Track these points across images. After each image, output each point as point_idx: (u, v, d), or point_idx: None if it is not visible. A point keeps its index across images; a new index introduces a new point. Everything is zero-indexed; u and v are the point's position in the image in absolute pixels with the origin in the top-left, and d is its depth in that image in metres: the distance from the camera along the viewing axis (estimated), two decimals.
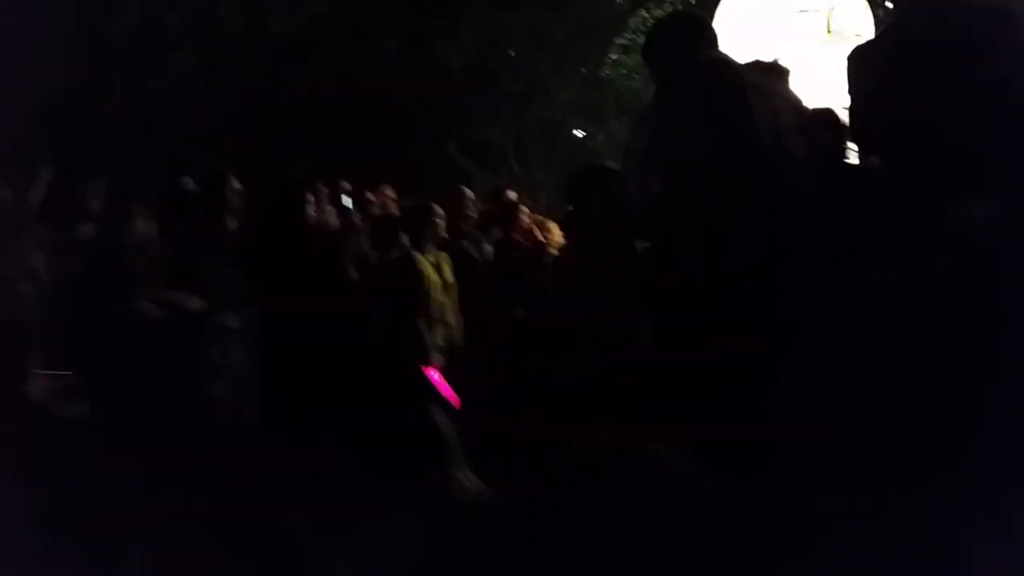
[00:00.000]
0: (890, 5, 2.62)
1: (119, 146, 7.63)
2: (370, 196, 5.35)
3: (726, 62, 2.46)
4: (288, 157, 8.30)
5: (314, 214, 4.19)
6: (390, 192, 5.72)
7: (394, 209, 5.42)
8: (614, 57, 10.42)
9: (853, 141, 2.69)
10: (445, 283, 4.64)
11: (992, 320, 2.03)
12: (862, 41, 3.99)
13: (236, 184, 3.90)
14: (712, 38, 2.72)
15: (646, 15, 9.92)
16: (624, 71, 10.59)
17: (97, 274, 3.68)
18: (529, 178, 11.22)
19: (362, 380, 4.00)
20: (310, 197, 4.18)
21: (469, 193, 5.10)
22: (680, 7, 9.37)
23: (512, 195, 6.27)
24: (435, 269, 4.60)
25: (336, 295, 3.91)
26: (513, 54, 10.17)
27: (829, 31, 4.45)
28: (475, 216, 5.22)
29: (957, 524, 1.54)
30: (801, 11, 4.48)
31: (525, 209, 5.78)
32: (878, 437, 1.76)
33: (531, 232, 5.61)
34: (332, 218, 4.62)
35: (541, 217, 6.17)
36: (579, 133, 12.08)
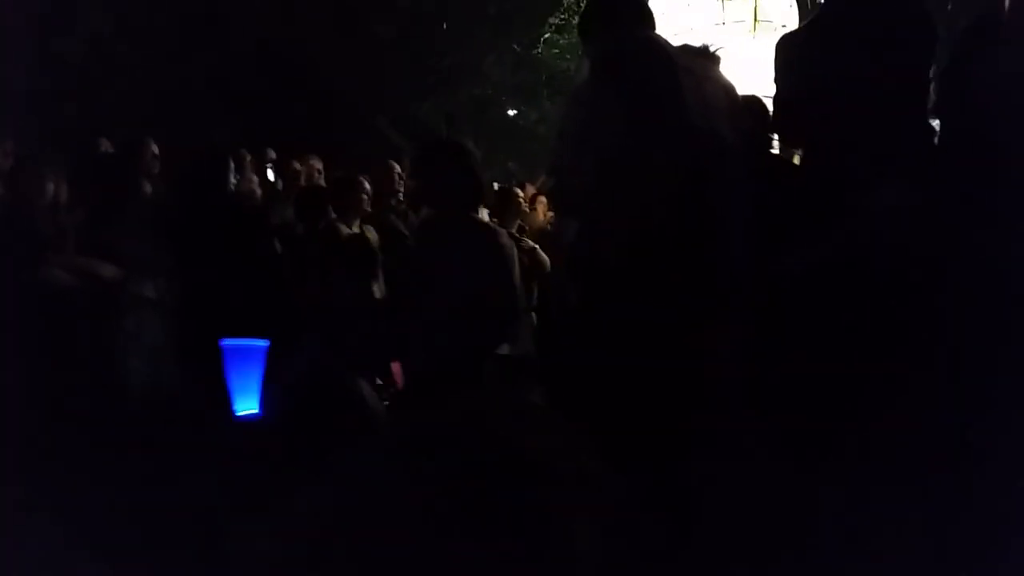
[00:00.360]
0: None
1: (30, 110, 7.25)
2: (296, 165, 5.23)
3: (660, 43, 2.48)
4: (210, 124, 8.02)
5: (235, 181, 4.07)
6: (316, 163, 5.61)
7: (320, 180, 5.32)
8: (547, 36, 10.41)
9: (776, 128, 2.76)
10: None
11: (905, 302, 2.12)
12: (788, 30, 4.09)
13: (154, 148, 3.75)
14: (649, 18, 2.73)
15: None
16: (557, 51, 10.60)
17: (3, 239, 3.50)
18: None
19: (286, 353, 3.92)
20: (232, 164, 4.06)
21: (397, 167, 5.04)
22: None
23: None
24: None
25: (258, 265, 3.81)
26: (445, 27, 10.05)
27: (756, 20, 4.54)
28: (402, 190, 5.16)
29: (869, 501, 1.62)
30: (729, 0, 4.57)
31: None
32: (794, 418, 1.82)
33: None
34: (255, 186, 4.51)
35: None
36: (511, 112, 12.06)
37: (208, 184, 3.76)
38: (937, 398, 1.64)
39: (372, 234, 4.55)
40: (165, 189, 4.16)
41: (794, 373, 1.82)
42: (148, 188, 3.77)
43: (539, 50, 10.77)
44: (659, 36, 2.59)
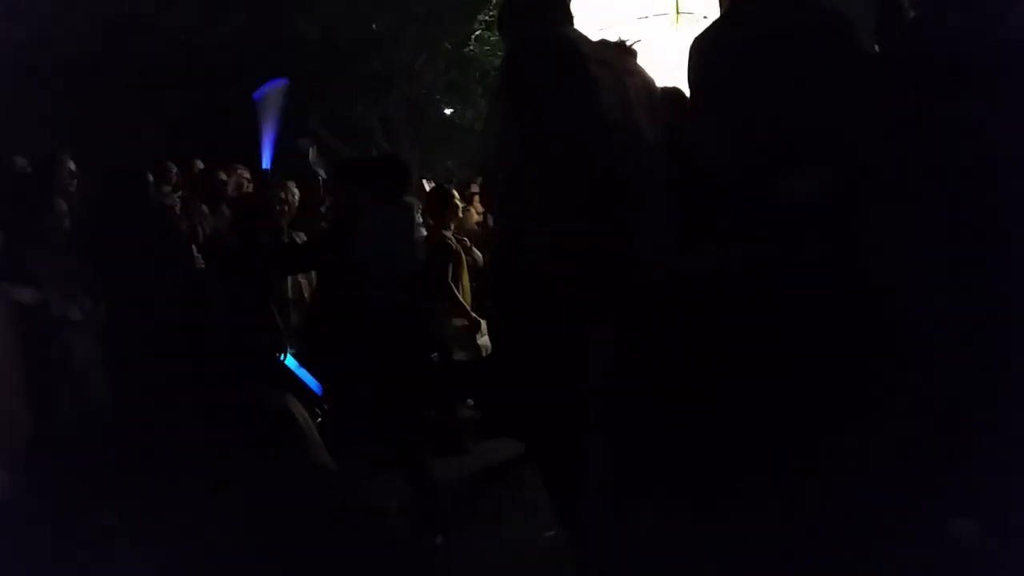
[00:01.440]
0: None
1: None
2: (222, 176, 5.12)
3: (575, 37, 2.48)
4: (134, 136, 7.81)
5: (154, 195, 3.96)
6: (243, 172, 5.50)
7: (248, 189, 5.22)
8: (478, 33, 10.38)
9: (693, 123, 2.79)
10: None
11: (823, 293, 2.16)
12: (710, 22, 4.13)
13: (71, 164, 3.62)
14: (566, 13, 2.73)
15: None
16: (488, 48, 10.57)
17: None
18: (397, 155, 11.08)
19: (216, 369, 3.82)
20: (151, 178, 3.94)
21: (322, 173, 4.97)
22: None
23: None
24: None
25: (183, 282, 3.72)
26: (375, 27, 9.94)
27: (678, 12, 4.59)
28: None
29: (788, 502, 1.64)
30: None
31: None
32: (710, 412, 1.84)
33: None
34: (176, 198, 4.40)
35: None
36: (447, 111, 12.00)
37: (127, 199, 3.64)
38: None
39: (301, 239, 4.49)
40: (85, 206, 4.03)
41: (714, 368, 1.84)
42: (64, 206, 3.63)
43: (471, 48, 10.74)
44: (575, 31, 2.59)
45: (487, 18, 10.49)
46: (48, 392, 3.43)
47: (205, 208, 4.81)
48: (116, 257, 3.54)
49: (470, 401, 5.34)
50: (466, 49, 10.70)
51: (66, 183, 3.65)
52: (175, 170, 5.18)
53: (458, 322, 4.86)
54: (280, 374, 4.28)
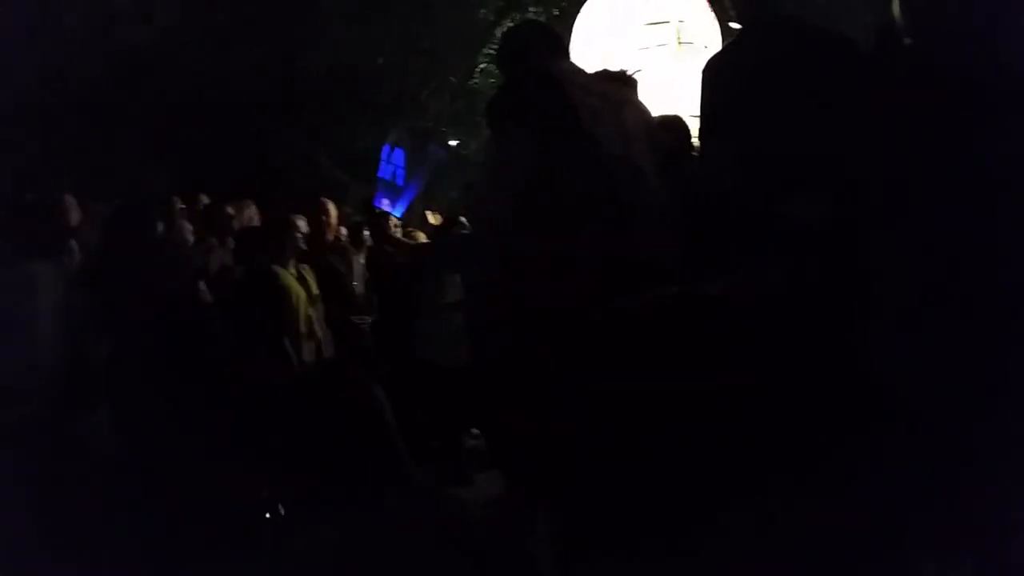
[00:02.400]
0: (734, 25, 2.75)
1: None
2: (229, 210, 5.15)
3: (571, 69, 2.50)
4: (143, 172, 7.89)
5: (161, 232, 3.98)
6: (250, 208, 5.54)
7: (257, 224, 5.26)
8: (483, 66, 10.48)
9: (701, 145, 2.80)
10: (311, 296, 4.53)
11: (826, 313, 2.14)
12: (710, 51, 4.16)
13: (73, 203, 3.65)
14: (562, 48, 2.76)
15: (512, 25, 10.04)
16: (493, 80, 10.66)
17: None
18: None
19: (226, 404, 3.82)
20: (157, 213, 3.97)
21: (332, 205, 5.00)
22: (542, 17, 9.52)
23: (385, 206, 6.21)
24: (300, 282, 4.48)
25: (190, 317, 3.73)
26: (381, 61, 10.06)
27: (679, 42, 4.61)
28: (336, 227, 5.12)
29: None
30: (652, 23, 4.63)
31: (395, 219, 5.74)
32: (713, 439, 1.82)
33: (402, 243, 5.57)
34: (188, 234, 4.42)
35: (412, 229, 6.14)
36: (452, 142, 12.08)
37: (132, 236, 3.66)
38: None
39: (309, 274, 4.50)
40: (92, 242, 4.06)
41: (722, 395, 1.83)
42: (73, 243, 3.66)
43: (476, 80, 10.83)
44: (571, 64, 2.61)
45: (491, 52, 10.60)
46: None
47: (215, 241, 4.84)
48: (121, 294, 3.56)
49: (475, 431, 5.32)
50: (471, 82, 10.80)
51: (69, 220, 3.68)
52: (180, 205, 5.22)
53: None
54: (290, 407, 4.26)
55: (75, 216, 3.66)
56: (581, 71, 2.64)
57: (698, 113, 2.71)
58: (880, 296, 1.90)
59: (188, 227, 4.67)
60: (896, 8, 2.23)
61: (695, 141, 3.16)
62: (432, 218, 6.64)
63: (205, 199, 5.57)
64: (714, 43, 4.62)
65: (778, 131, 2.36)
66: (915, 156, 2.06)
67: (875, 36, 2.72)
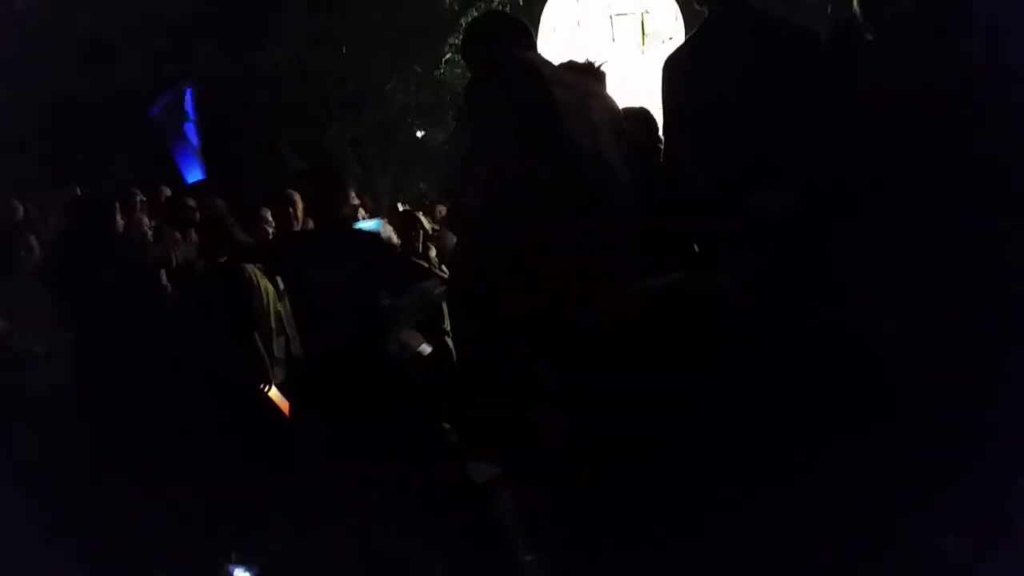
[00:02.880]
0: (699, 8, 2.76)
1: None
2: (191, 202, 5.08)
3: (535, 60, 2.50)
4: (102, 164, 7.75)
5: (122, 224, 3.91)
6: (219, 202, 5.48)
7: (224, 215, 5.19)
8: (448, 56, 10.43)
9: (665, 139, 2.82)
10: (279, 291, 4.48)
11: (792, 309, 2.18)
12: (674, 43, 4.18)
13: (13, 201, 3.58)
14: (527, 38, 2.75)
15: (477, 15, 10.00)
16: (459, 70, 10.62)
17: None
18: (370, 179, 11.08)
19: (195, 405, 3.76)
20: (117, 206, 3.90)
21: (298, 197, 4.94)
22: (507, 8, 9.50)
23: (353, 198, 6.16)
24: (265, 276, 4.43)
25: (155, 311, 3.68)
26: (345, 51, 9.97)
27: (644, 34, 4.64)
28: (303, 219, 5.07)
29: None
30: (617, 15, 4.65)
31: (363, 212, 5.71)
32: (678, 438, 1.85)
33: None
34: (146, 227, 4.35)
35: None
36: (419, 133, 12.03)
37: (93, 229, 3.60)
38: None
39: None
40: (52, 236, 3.99)
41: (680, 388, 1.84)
42: (32, 238, 3.59)
43: (442, 71, 10.78)
44: (537, 55, 2.61)
45: (457, 42, 10.56)
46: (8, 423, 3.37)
47: (177, 235, 4.77)
48: (84, 288, 3.50)
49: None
50: (437, 72, 10.75)
51: (32, 215, 3.61)
52: (141, 197, 5.13)
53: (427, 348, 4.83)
54: (263, 406, 4.22)
55: (19, 214, 3.58)
56: (547, 62, 2.64)
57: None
58: (843, 287, 1.94)
59: (147, 221, 4.60)
60: (856, 4, 2.27)
61: (662, 134, 3.19)
62: (401, 209, 6.60)
63: (167, 191, 5.49)
64: (678, 35, 4.64)
65: (738, 125, 2.38)
66: (876, 150, 2.11)
67: (835, 31, 2.77)
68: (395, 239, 4.04)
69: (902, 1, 2.13)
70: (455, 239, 5.82)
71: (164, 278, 3.94)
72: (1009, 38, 1.96)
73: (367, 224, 4.56)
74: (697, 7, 2.74)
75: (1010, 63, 1.95)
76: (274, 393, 4.35)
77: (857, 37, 2.41)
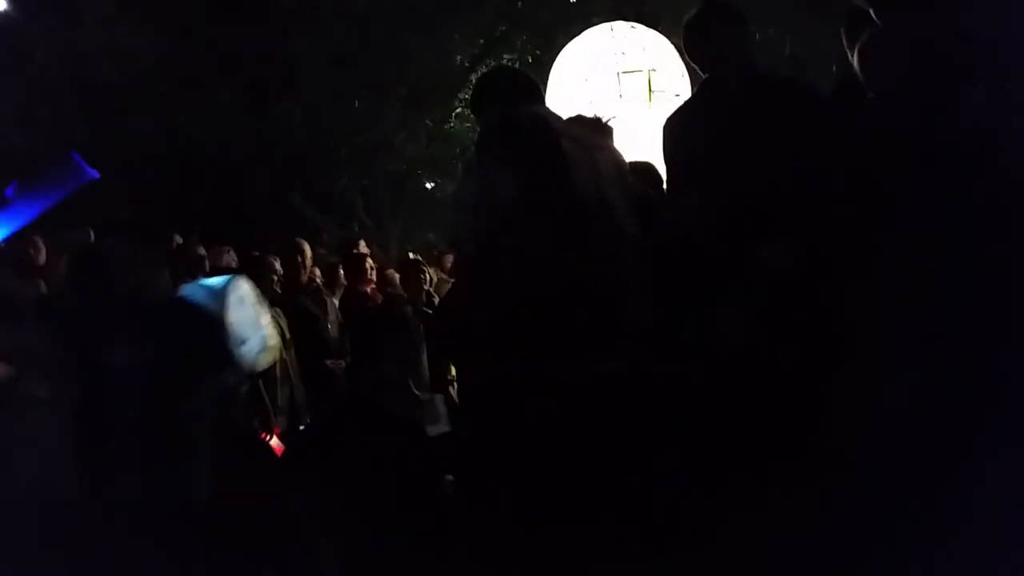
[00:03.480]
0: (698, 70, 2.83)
1: None
2: (201, 251, 5.12)
3: (544, 115, 2.54)
4: (114, 215, 7.82)
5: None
6: (231, 253, 5.52)
7: (232, 264, 5.22)
8: (458, 110, 10.60)
9: (667, 198, 2.85)
10: (284, 340, 4.49)
11: (800, 355, 2.17)
12: (680, 99, 4.24)
13: (39, 242, 3.61)
14: (536, 93, 2.80)
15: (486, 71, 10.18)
16: (468, 124, 10.78)
17: None
18: (379, 228, 11.17)
19: (200, 452, 3.73)
20: (128, 255, 3.92)
21: (306, 246, 4.98)
22: (517, 64, 9.69)
23: (362, 247, 6.22)
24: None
25: (160, 358, 3.67)
26: (357, 105, 10.14)
27: (651, 91, 4.71)
28: (310, 268, 5.10)
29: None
30: (625, 72, 4.74)
31: (371, 261, 5.73)
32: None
33: (377, 283, 5.56)
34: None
35: (391, 269, 6.14)
36: (428, 184, 12.17)
37: (104, 277, 3.61)
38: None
39: (281, 318, 4.46)
40: (61, 281, 4.01)
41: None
42: (37, 284, 3.61)
43: (452, 124, 10.95)
44: (546, 108, 2.66)
45: (467, 96, 10.74)
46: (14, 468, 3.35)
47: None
48: (88, 335, 3.50)
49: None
50: (447, 125, 10.92)
51: (35, 260, 3.64)
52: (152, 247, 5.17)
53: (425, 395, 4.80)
54: (266, 454, 4.20)
55: (41, 258, 3.61)
56: (556, 116, 2.68)
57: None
58: (849, 342, 1.93)
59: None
60: (856, 63, 2.30)
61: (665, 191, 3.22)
62: (412, 257, 6.60)
63: (178, 239, 5.54)
64: (684, 92, 4.72)
65: (740, 182, 2.41)
66: (875, 205, 2.12)
67: (836, 89, 2.81)
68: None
69: (901, 55, 2.16)
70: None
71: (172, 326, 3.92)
72: (1012, 87, 1.98)
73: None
74: (700, 72, 2.80)
75: (1013, 112, 1.96)
76: (275, 442, 4.34)
77: (857, 92, 2.45)
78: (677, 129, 2.65)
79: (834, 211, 2.17)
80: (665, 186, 3.04)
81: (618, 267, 2.26)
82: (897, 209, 1.97)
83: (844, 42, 2.71)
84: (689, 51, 2.81)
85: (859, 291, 1.97)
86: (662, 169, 3.47)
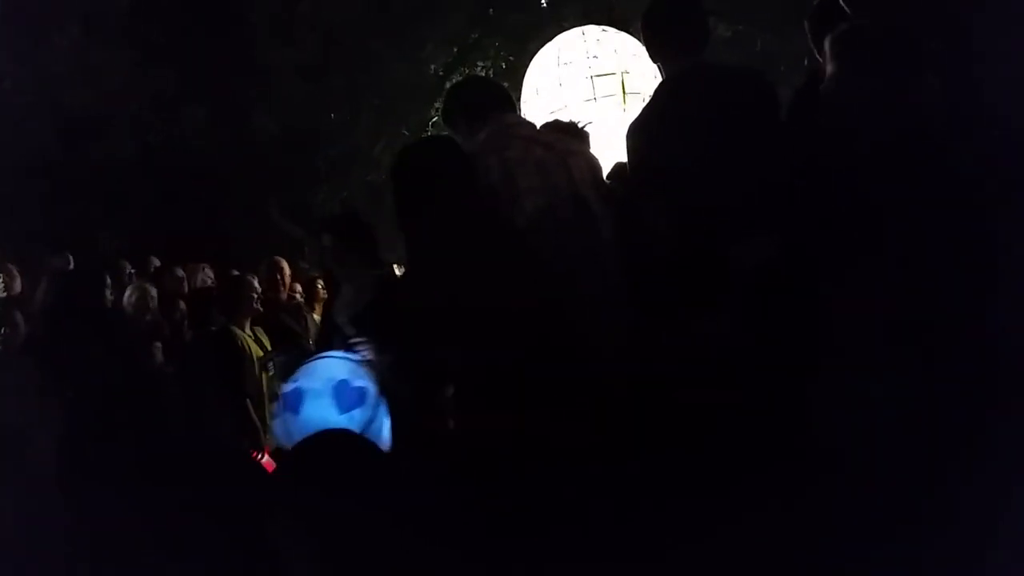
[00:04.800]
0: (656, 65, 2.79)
1: None
2: (179, 272, 5.08)
3: (516, 122, 2.55)
4: (91, 236, 7.76)
5: (111, 297, 3.88)
6: (208, 270, 5.49)
7: (211, 283, 5.19)
8: (434, 119, 10.59)
9: (638, 196, 2.84)
10: None
11: (777, 353, 2.17)
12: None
13: (14, 270, 3.57)
14: (508, 101, 2.80)
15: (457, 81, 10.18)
16: (445, 133, 10.77)
17: None
18: None
19: (188, 475, 3.69)
20: (107, 280, 3.88)
21: (284, 263, 4.95)
22: (491, 71, 9.69)
23: None
24: (256, 343, 4.42)
25: (143, 383, 3.64)
26: (333, 116, 10.11)
27: (625, 93, 4.73)
28: (289, 284, 5.07)
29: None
30: (598, 76, 4.75)
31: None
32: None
33: None
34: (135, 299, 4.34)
35: None
36: None
37: (80, 304, 3.58)
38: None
39: (263, 336, 4.43)
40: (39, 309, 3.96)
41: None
42: (17, 315, 3.57)
43: (429, 133, 10.93)
44: (517, 116, 2.66)
45: (441, 104, 10.72)
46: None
47: (182, 305, 4.75)
48: (72, 363, 3.46)
49: None
50: (423, 134, 10.90)
51: (8, 287, 3.59)
52: (130, 270, 5.14)
53: None
54: (256, 473, 4.16)
55: (16, 285, 3.57)
56: (527, 123, 2.68)
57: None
58: (827, 337, 1.94)
59: (152, 290, 4.59)
60: (818, 58, 2.31)
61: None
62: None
63: (156, 261, 5.50)
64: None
65: (706, 180, 2.39)
66: (837, 196, 2.12)
67: (806, 83, 2.81)
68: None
69: (857, 49, 2.17)
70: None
71: (159, 352, 3.90)
72: (972, 76, 2.00)
73: None
74: (659, 66, 2.76)
75: (971, 102, 1.98)
76: (267, 461, 4.30)
77: (816, 86, 2.45)
78: (636, 134, 2.61)
79: (798, 206, 2.18)
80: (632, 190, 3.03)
81: (592, 272, 2.26)
82: (856, 203, 1.98)
83: (809, 37, 2.73)
84: (647, 45, 2.75)
85: (829, 285, 1.98)
86: None
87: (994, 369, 1.70)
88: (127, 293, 3.81)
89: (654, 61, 2.75)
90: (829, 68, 2.26)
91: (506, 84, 3.86)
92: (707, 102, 2.44)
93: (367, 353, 2.27)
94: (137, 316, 4.20)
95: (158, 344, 4.15)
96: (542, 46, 5.34)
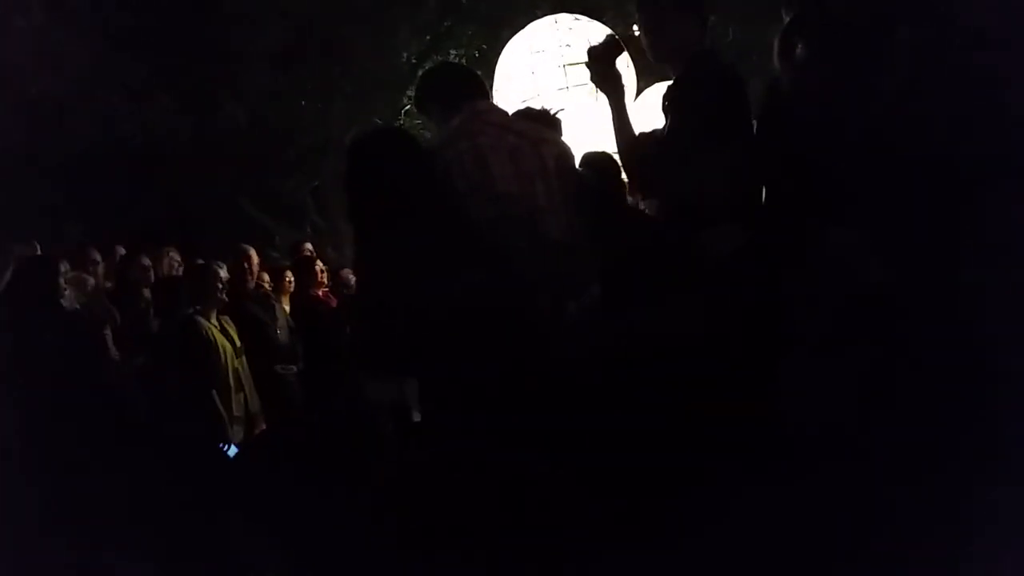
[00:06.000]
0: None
1: None
2: (145, 261, 4.99)
3: (487, 109, 2.52)
4: (57, 224, 7.62)
5: (65, 286, 3.78)
6: (175, 255, 5.41)
7: (178, 271, 5.12)
8: (407, 107, 10.51)
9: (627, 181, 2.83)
10: (235, 348, 4.41)
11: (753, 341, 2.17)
12: (626, 89, 4.23)
13: None
14: (480, 88, 2.77)
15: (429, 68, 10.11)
16: (418, 121, 10.70)
17: None
18: (333, 230, 11.02)
19: (154, 466, 3.63)
20: (63, 267, 3.80)
21: (252, 252, 4.89)
22: (463, 59, 9.63)
23: (308, 249, 6.12)
24: (222, 334, 4.36)
25: (99, 372, 3.57)
26: (304, 104, 9.99)
27: None
28: (257, 273, 5.01)
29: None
30: (570, 64, 4.71)
31: (321, 264, 5.65)
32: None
33: (331, 286, 5.48)
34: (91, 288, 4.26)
35: (346, 270, 6.05)
36: None
37: (35, 295, 3.49)
38: None
39: (230, 325, 4.38)
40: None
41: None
42: None
43: (401, 121, 10.84)
44: (489, 103, 2.63)
45: (413, 93, 10.64)
46: None
47: (147, 293, 4.68)
48: (29, 351, 3.39)
49: None
50: (396, 122, 10.81)
51: None
52: (96, 258, 5.04)
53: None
54: (223, 466, 4.11)
55: None
56: (499, 110, 2.65)
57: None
58: (790, 326, 1.94)
59: (90, 281, 4.51)
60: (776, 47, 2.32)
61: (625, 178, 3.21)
62: None
63: (122, 250, 5.41)
64: (630, 82, 4.71)
65: (678, 169, 2.40)
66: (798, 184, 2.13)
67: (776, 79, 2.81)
68: None
69: (809, 40, 2.17)
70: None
71: (109, 339, 3.82)
72: (936, 73, 2.00)
73: None
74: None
75: (932, 93, 1.99)
76: (232, 451, 4.25)
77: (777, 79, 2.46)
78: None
79: (769, 196, 2.18)
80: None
81: (563, 259, 2.25)
82: (821, 195, 1.99)
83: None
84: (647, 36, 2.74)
85: (805, 277, 1.99)
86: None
87: (969, 354, 1.71)
88: (61, 283, 3.72)
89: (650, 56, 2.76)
90: (780, 63, 2.28)
91: (479, 72, 3.83)
92: (679, 91, 2.45)
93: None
94: (78, 304, 4.09)
95: (107, 332, 4.05)
96: (515, 34, 5.30)
